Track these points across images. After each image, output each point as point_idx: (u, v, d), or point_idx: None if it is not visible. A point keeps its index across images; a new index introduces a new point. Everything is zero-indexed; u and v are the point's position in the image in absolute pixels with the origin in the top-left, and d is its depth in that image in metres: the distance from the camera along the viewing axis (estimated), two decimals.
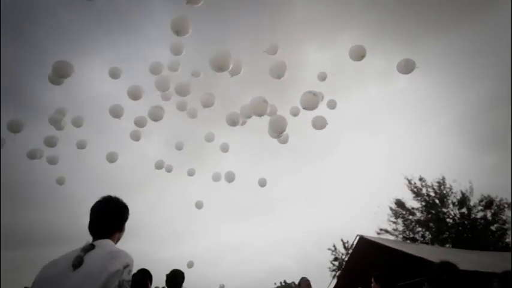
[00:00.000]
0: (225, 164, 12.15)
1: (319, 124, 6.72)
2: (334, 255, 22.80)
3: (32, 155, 6.63)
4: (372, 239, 12.55)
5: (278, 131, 5.68)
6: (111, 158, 7.88)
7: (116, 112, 7.13)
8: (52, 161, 7.48)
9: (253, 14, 10.68)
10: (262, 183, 8.67)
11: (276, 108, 6.75)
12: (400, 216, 21.74)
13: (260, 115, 5.57)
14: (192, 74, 7.51)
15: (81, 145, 7.83)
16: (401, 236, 21.45)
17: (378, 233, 21.70)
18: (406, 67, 5.99)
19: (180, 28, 5.18)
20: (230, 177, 8.48)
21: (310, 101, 5.73)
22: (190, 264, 9.29)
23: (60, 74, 5.45)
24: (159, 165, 8.55)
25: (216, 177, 8.66)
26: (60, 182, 7.52)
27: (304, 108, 5.81)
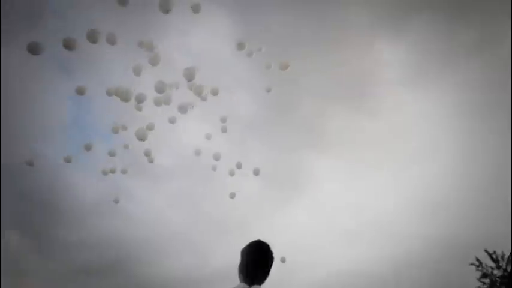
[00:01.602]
0: (320, 189, 12.04)
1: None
2: (481, 270, 19.31)
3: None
4: None
5: None
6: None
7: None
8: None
9: (312, 25, 10.84)
10: (256, 172, 8.47)
11: None
12: None
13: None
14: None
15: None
16: None
17: None
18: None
19: None
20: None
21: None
22: (283, 260, 9.25)
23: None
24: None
25: None
26: (116, 201, 8.43)
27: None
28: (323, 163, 11.63)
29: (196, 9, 6.88)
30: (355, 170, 11.34)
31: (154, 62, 6.82)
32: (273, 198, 12.38)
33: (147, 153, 7.97)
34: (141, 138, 7.37)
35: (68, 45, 5.84)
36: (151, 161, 8.16)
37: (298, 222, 11.87)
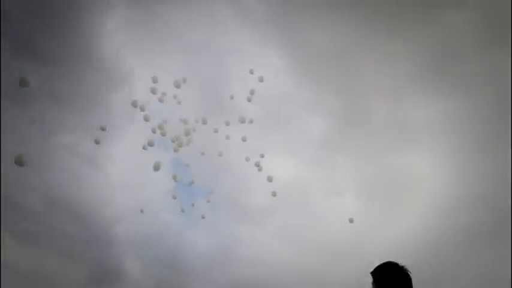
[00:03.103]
0: (426, 187, 10.75)
1: None
2: None
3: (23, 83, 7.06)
4: None
5: None
6: None
7: None
8: None
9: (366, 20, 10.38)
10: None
11: None
12: None
13: None
14: None
15: None
16: None
17: None
18: None
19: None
20: None
21: None
22: (351, 220, 8.40)
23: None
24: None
25: None
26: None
27: None
28: (419, 159, 10.55)
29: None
30: (456, 158, 9.88)
31: None
32: (379, 209, 11.55)
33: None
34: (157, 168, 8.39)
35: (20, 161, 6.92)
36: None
37: (417, 228, 10.70)
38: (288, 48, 11.74)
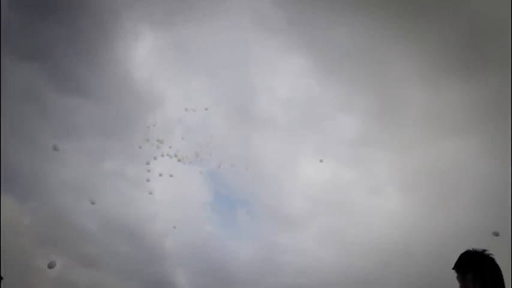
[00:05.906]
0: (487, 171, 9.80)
1: None
2: None
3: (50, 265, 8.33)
4: None
5: None
6: None
7: None
8: None
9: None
10: None
11: None
12: None
13: None
14: None
15: None
16: None
17: None
18: None
19: None
20: None
21: None
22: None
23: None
24: None
25: None
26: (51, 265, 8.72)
27: None
28: (462, 144, 9.72)
29: None
30: (501, 140, 8.91)
31: None
32: (425, 202, 10.82)
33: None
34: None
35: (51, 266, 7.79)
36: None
37: (469, 217, 9.90)
38: (309, 52, 11.79)
